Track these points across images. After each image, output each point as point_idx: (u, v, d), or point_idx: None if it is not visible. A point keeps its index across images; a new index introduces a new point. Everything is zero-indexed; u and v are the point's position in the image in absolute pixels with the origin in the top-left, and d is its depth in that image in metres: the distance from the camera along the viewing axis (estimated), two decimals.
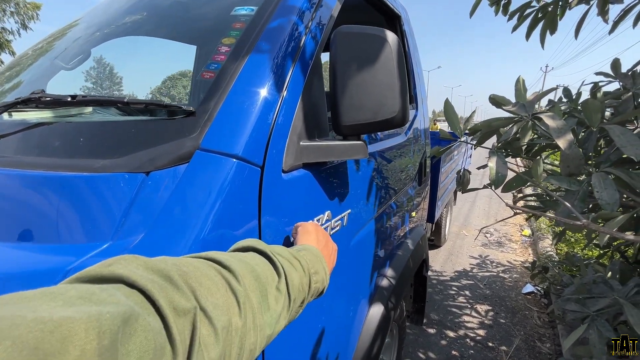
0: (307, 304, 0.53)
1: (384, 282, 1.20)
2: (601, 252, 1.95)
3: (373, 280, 1.14)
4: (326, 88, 0.80)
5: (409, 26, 1.64)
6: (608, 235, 0.95)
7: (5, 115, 0.68)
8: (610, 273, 1.53)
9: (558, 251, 3.45)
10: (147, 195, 0.50)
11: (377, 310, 1.12)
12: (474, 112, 1.23)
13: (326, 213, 0.77)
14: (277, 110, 0.62)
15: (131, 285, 0.27)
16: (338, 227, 0.82)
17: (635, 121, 1.22)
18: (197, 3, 0.98)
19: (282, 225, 0.62)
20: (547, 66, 41.27)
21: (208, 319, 0.30)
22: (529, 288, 2.90)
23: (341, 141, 0.72)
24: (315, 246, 0.57)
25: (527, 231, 4.38)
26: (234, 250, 0.46)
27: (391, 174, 1.23)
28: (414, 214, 1.65)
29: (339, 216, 0.82)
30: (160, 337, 0.25)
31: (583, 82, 1.31)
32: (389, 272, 1.25)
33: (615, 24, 1.76)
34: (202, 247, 0.47)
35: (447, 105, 1.16)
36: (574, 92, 1.34)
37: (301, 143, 0.67)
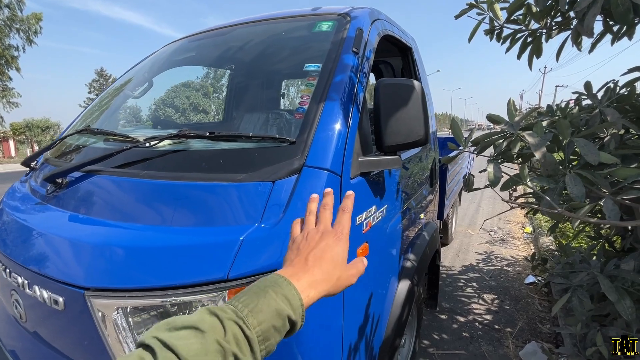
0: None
1: (408, 264, 1.51)
2: (593, 242, 2.24)
3: (400, 261, 1.45)
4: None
5: (419, 55, 1.97)
6: (579, 220, 1.24)
7: (160, 144, 1.00)
8: (595, 257, 1.83)
9: (557, 245, 3.73)
10: (276, 195, 0.82)
11: (404, 285, 1.42)
12: (475, 129, 1.55)
13: (373, 207, 1.09)
14: (346, 137, 0.94)
15: None
16: (380, 217, 1.13)
17: (605, 130, 1.53)
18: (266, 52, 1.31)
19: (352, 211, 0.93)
20: (545, 67, 41.71)
21: None
22: (530, 279, 3.19)
23: (384, 156, 1.04)
24: (293, 261, 0.52)
25: (529, 228, 4.66)
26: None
27: (411, 178, 1.55)
28: (427, 211, 1.96)
29: (380, 209, 1.14)
30: None
31: (562, 100, 1.62)
32: (411, 256, 1.55)
33: (593, 45, 2.07)
34: None
35: (454, 123, 1.48)
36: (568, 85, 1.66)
37: (359, 159, 0.99)
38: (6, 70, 19.24)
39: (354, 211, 0.96)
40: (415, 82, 1.01)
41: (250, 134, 0.92)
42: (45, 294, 0.87)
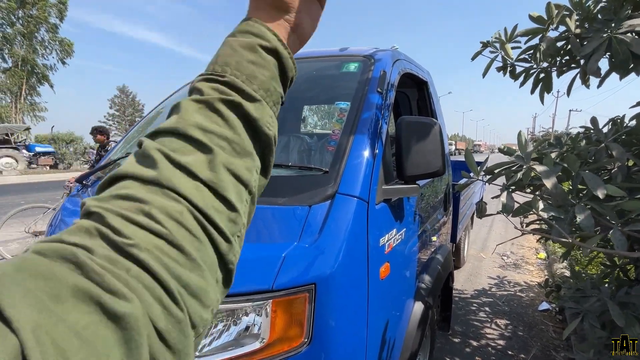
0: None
1: (423, 285, 1.59)
2: (608, 271, 2.27)
3: (415, 283, 1.53)
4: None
5: (434, 88, 2.12)
6: (589, 250, 1.32)
7: None
8: (607, 284, 1.87)
9: (571, 272, 3.70)
10: (312, 218, 0.94)
11: (419, 306, 1.50)
12: (487, 158, 1.65)
13: (393, 230, 1.20)
14: (372, 168, 1.06)
15: None
16: (400, 240, 1.24)
17: (612, 163, 1.62)
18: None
19: (376, 233, 1.05)
20: (558, 92, 41.66)
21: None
22: (544, 306, 3.17)
23: (404, 185, 1.16)
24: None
25: (543, 254, 4.63)
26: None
27: (427, 203, 1.66)
28: (441, 234, 2.05)
29: (400, 232, 1.24)
30: None
31: (570, 134, 1.72)
32: (426, 278, 1.64)
33: (601, 82, 2.18)
34: (347, 244, 0.90)
35: (468, 153, 1.60)
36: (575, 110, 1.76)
37: (383, 187, 1.11)
38: (37, 87, 20.54)
39: (378, 233, 1.07)
40: (435, 121, 1.14)
41: (290, 164, 1.06)
42: None
